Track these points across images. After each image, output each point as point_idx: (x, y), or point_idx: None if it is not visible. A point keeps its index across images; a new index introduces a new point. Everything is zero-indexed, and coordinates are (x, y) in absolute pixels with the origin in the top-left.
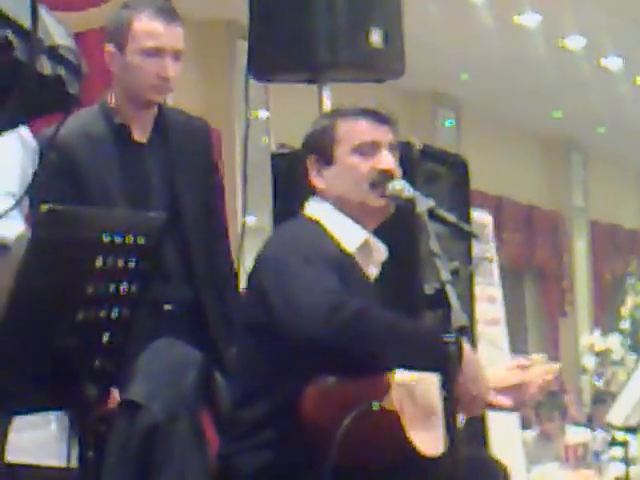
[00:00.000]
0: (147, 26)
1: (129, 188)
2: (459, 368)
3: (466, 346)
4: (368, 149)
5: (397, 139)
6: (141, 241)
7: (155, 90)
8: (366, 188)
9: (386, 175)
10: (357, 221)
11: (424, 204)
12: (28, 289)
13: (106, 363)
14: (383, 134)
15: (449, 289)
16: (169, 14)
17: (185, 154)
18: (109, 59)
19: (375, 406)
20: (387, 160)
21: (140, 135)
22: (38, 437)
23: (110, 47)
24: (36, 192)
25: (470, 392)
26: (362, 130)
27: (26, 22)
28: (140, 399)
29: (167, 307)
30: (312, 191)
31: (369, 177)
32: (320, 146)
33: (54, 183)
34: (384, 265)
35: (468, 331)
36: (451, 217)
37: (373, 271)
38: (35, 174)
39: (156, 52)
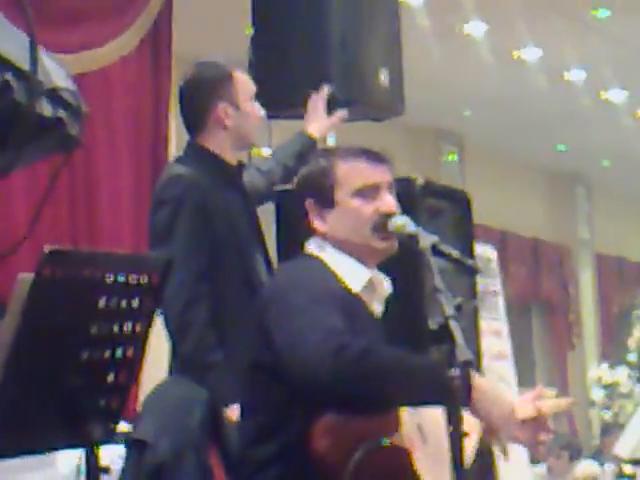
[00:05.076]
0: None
1: (245, 227)
2: (468, 399)
3: (475, 375)
4: (369, 192)
5: (394, 176)
6: (144, 281)
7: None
8: (369, 231)
9: (388, 217)
10: (360, 261)
11: (427, 240)
12: (32, 329)
13: (111, 402)
14: (382, 175)
15: (453, 324)
16: None
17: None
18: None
19: (385, 442)
20: (389, 202)
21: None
22: (45, 477)
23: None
24: (178, 228)
25: (495, 416)
26: (363, 172)
27: (26, 65)
28: (147, 437)
29: None
30: (312, 231)
31: (371, 220)
32: (319, 189)
33: (196, 222)
34: (388, 300)
35: (473, 365)
36: (454, 252)
37: (378, 308)
38: None
39: None
